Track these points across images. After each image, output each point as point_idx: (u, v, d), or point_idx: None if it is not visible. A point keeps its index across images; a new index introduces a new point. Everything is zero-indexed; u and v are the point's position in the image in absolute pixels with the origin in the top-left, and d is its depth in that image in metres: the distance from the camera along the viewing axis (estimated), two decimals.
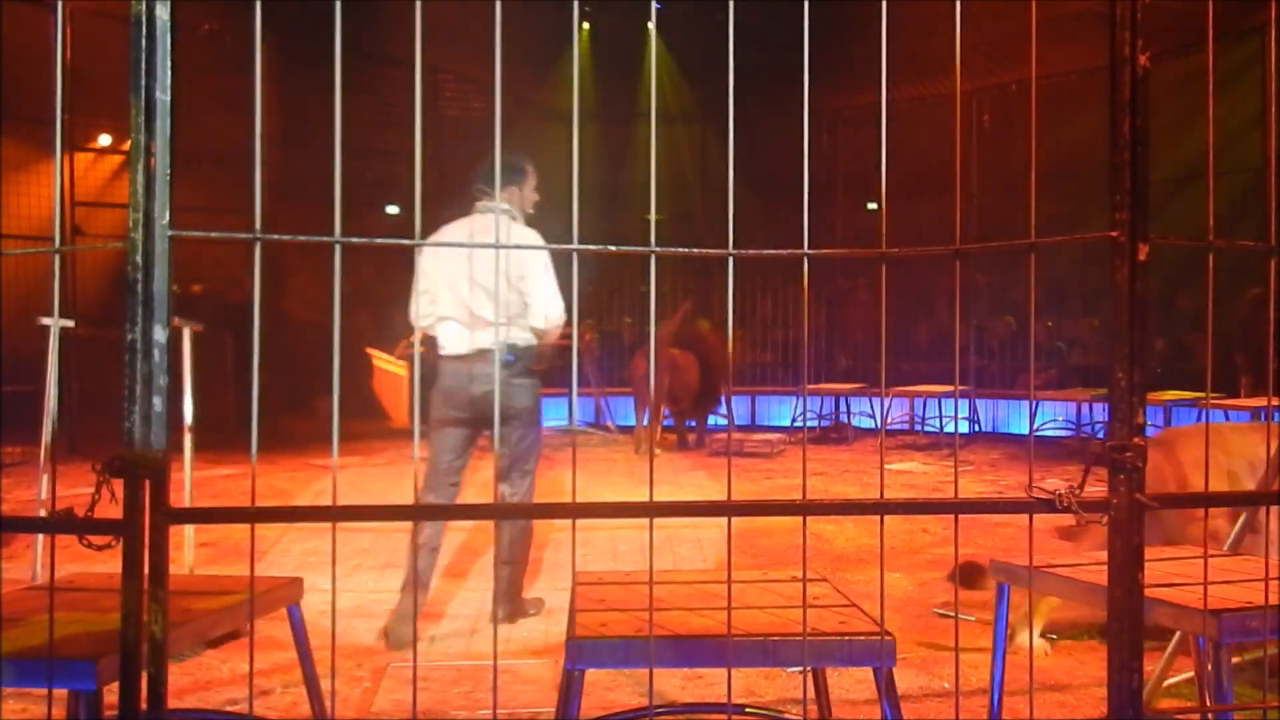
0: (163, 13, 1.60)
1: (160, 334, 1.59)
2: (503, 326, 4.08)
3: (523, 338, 4.21)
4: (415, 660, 1.72)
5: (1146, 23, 1.62)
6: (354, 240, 1.72)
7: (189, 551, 4.04)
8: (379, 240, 1.81)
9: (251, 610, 2.06)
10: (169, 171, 1.60)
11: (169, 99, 1.60)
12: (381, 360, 13.00)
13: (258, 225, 1.68)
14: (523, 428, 4.14)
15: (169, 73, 1.61)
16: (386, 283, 12.81)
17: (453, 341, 4.15)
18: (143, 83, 1.58)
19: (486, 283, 4.08)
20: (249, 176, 1.69)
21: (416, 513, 1.70)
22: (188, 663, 3.49)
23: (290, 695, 3.24)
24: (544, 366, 4.44)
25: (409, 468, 9.04)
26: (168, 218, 1.60)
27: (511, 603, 4.09)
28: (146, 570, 1.58)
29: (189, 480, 3.93)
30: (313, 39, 10.48)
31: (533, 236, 4.37)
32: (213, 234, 1.79)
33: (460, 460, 3.94)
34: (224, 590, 2.26)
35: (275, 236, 1.75)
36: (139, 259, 1.57)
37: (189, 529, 4.02)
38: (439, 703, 3.19)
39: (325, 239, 1.68)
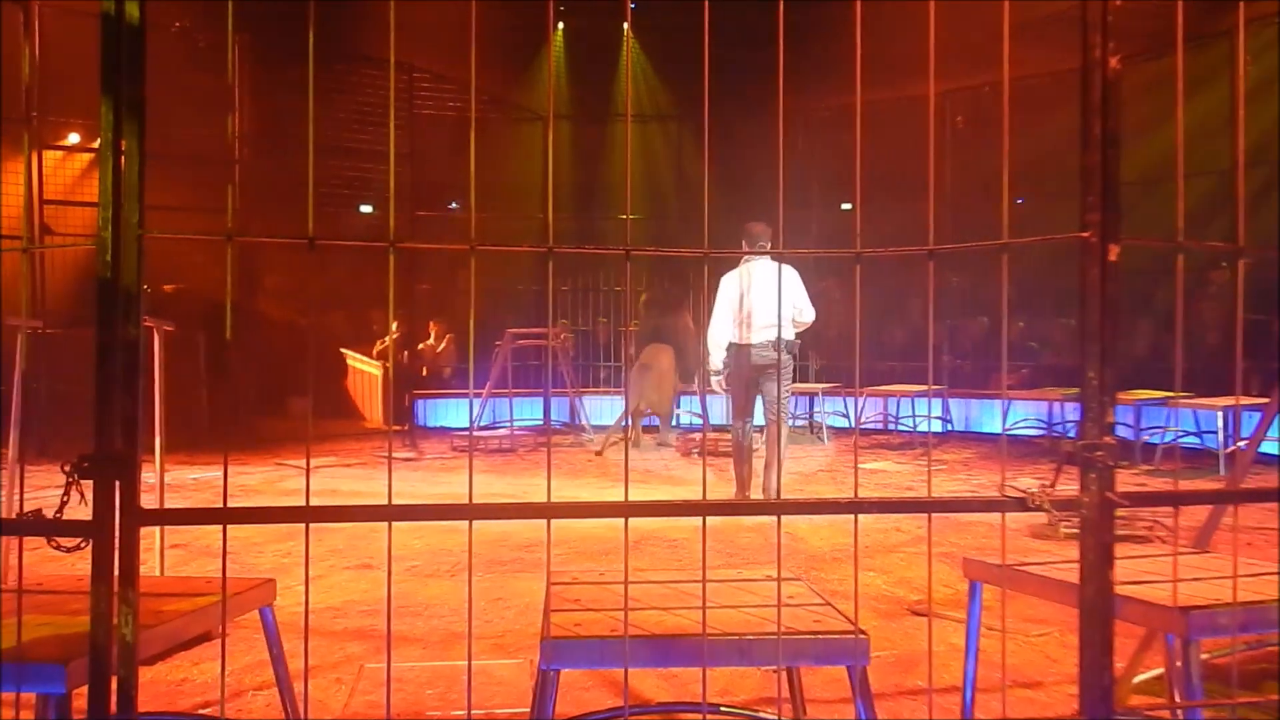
0: (133, 10, 1.58)
1: (131, 334, 1.58)
2: (775, 326, 6.73)
3: (789, 332, 6.90)
4: (389, 662, 1.71)
5: (1117, 26, 1.63)
6: (328, 241, 1.71)
7: (160, 553, 4.00)
8: (353, 242, 1.81)
9: (224, 612, 2.05)
10: (140, 170, 1.59)
11: (140, 97, 1.59)
12: (356, 360, 12.94)
13: (230, 225, 1.66)
14: (789, 381, 6.96)
15: (140, 71, 1.59)
16: (361, 282, 12.77)
17: (752, 336, 6.81)
18: (113, 81, 1.57)
19: (771, 300, 6.77)
20: (223, 176, 1.68)
21: (390, 513, 1.69)
22: (159, 665, 3.46)
23: (263, 698, 3.22)
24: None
25: (383, 468, 9.00)
26: (138, 217, 1.58)
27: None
28: (116, 572, 1.57)
29: (160, 481, 3.90)
30: (286, 37, 10.42)
31: (794, 273, 6.96)
32: (185, 234, 1.77)
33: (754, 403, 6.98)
34: (195, 592, 2.24)
35: (248, 237, 1.74)
36: (109, 258, 1.56)
37: (160, 530, 3.99)
38: (413, 704, 3.17)
39: (298, 239, 1.67)
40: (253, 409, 11.40)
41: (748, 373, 6.83)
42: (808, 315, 6.84)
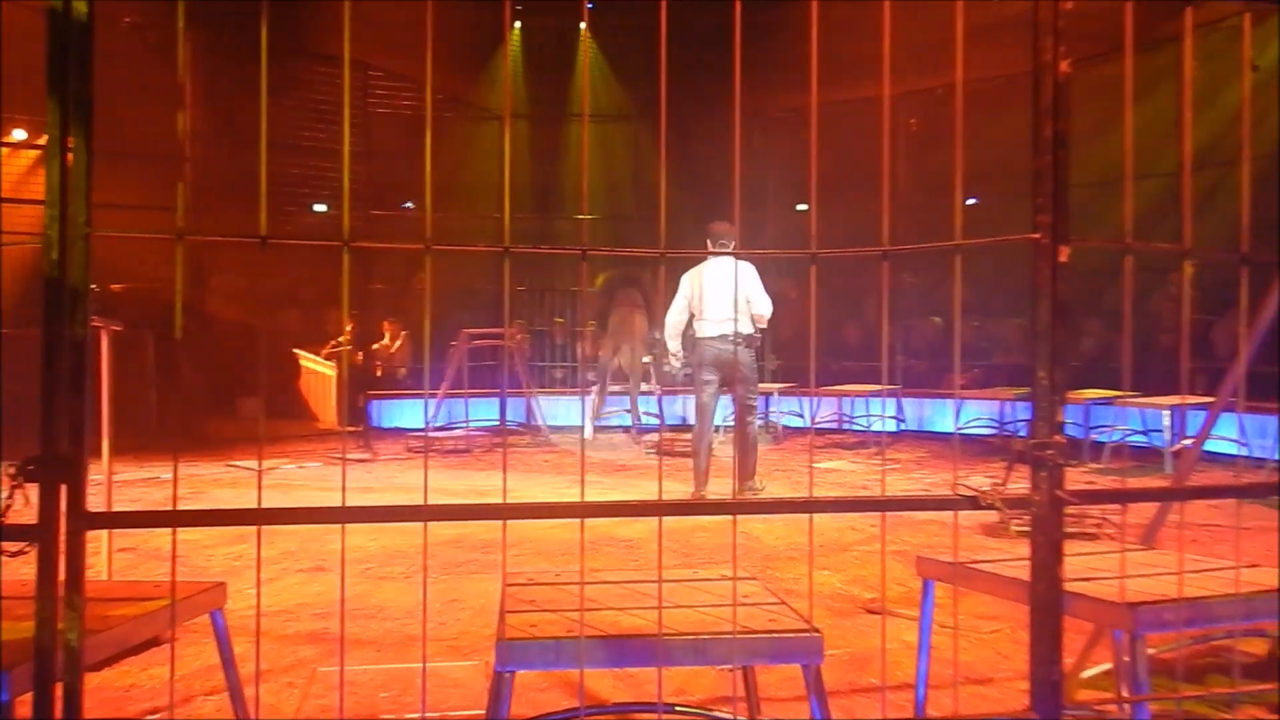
0: (81, 6, 1.55)
1: (78, 333, 1.55)
2: (732, 320, 6.93)
3: (745, 326, 7.00)
4: (343, 665, 1.70)
5: (1068, 30, 1.66)
6: (281, 240, 1.69)
7: (107, 557, 3.94)
8: (307, 241, 1.79)
9: (173, 616, 2.02)
10: (87, 168, 1.56)
11: (88, 94, 1.56)
12: (309, 361, 12.82)
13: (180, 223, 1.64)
14: (752, 375, 7.13)
15: (88, 67, 1.56)
16: (316, 283, 12.66)
17: (708, 329, 7.03)
18: (61, 77, 1.54)
19: (726, 295, 6.99)
20: (173, 173, 1.66)
21: (343, 515, 1.68)
22: (106, 671, 3.41)
23: (213, 703, 3.18)
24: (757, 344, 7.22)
25: (337, 468, 8.92)
26: (86, 215, 1.55)
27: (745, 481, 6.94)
28: (62, 576, 1.54)
29: (108, 484, 3.83)
30: (239, 34, 10.29)
31: (751, 268, 7.07)
32: (134, 232, 1.75)
33: (717, 399, 7.20)
34: (144, 596, 2.21)
35: (199, 235, 1.72)
36: (56, 257, 1.53)
37: (107, 533, 3.93)
38: (367, 707, 3.15)
39: (250, 238, 1.65)
40: (203, 410, 11.25)
41: (710, 365, 7.05)
42: (759, 307, 6.95)
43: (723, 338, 6.97)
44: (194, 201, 9.96)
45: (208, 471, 8.61)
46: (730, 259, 7.02)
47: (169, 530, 1.67)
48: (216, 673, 2.69)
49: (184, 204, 1.72)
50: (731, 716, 2.84)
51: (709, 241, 7.07)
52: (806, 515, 1.81)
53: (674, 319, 7.34)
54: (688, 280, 7.25)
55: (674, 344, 7.39)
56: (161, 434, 10.12)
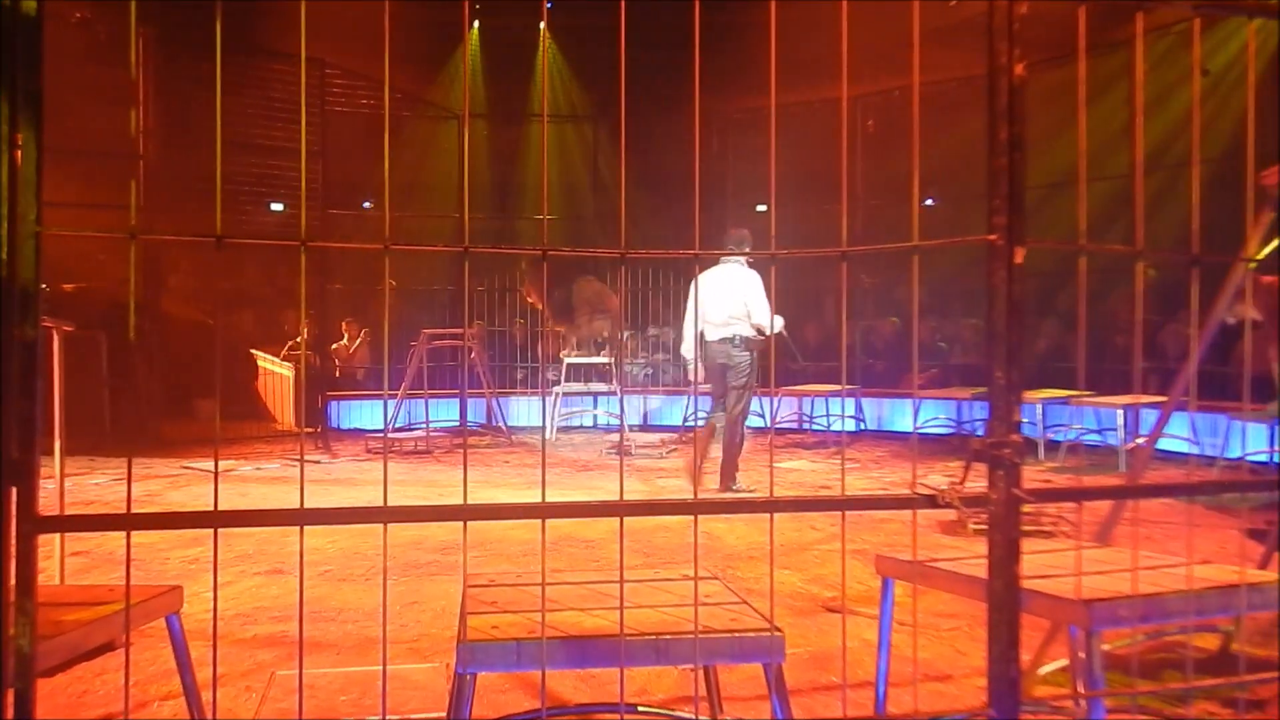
0: (30, 1, 1.53)
1: (28, 334, 1.52)
2: (731, 324, 7.34)
3: (745, 331, 7.33)
4: (301, 668, 1.68)
5: (1023, 34, 1.67)
6: (237, 239, 1.67)
7: (60, 561, 3.87)
8: (263, 240, 1.77)
9: (127, 621, 1.99)
10: (37, 165, 1.53)
11: (37, 90, 1.54)
12: (266, 361, 12.68)
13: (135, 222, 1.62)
14: (743, 378, 7.42)
15: (37, 63, 1.54)
16: (273, 282, 12.53)
17: (707, 333, 7.40)
18: (9, 73, 1.51)
19: (723, 300, 7.33)
20: (126, 171, 1.63)
21: (302, 517, 1.66)
22: (59, 677, 3.35)
23: (169, 708, 3.14)
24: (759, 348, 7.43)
25: (295, 470, 8.84)
26: (36, 213, 1.53)
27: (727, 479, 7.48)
28: (13, 581, 1.51)
29: (60, 487, 3.77)
30: (193, 30, 10.16)
31: (755, 277, 7.37)
32: (86, 231, 1.72)
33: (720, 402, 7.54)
34: (97, 601, 2.17)
35: (153, 234, 1.69)
36: (5, 256, 1.50)
37: (59, 537, 3.86)
38: (326, 711, 3.12)
39: (205, 237, 1.63)
40: (158, 411, 11.10)
41: (711, 367, 7.53)
42: (757, 316, 7.29)
43: (720, 341, 7.35)
44: (148, 200, 9.81)
45: (163, 473, 8.49)
46: (737, 264, 7.43)
47: (123, 533, 1.64)
48: (172, 677, 2.65)
49: (137, 202, 1.70)
50: (693, 716, 2.84)
51: (728, 245, 7.54)
52: (767, 515, 1.81)
53: (685, 325, 7.96)
54: (693, 285, 7.39)
55: (685, 349, 8.00)
56: (115, 436, 9.97)
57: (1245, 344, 2.70)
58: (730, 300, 7.33)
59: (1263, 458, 7.61)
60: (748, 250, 7.45)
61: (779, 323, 7.58)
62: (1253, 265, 3.67)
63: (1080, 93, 1.92)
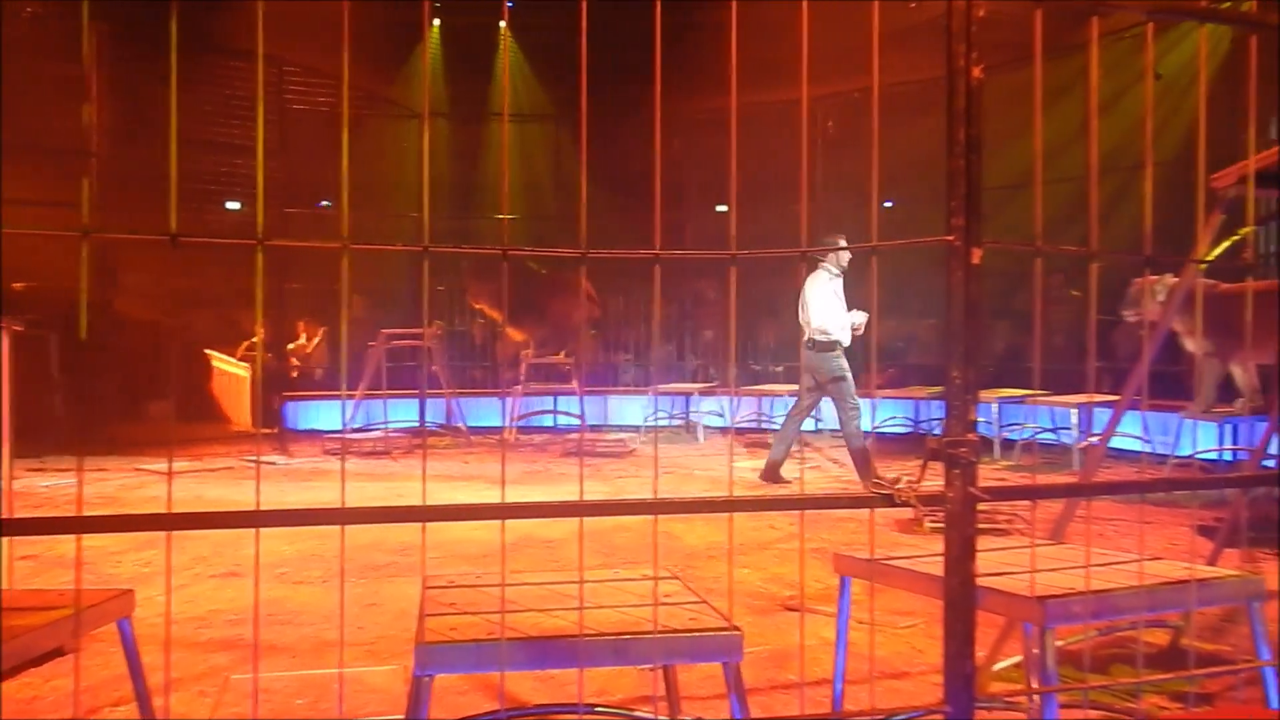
0: None
1: None
2: (806, 329, 7.65)
3: (820, 335, 7.59)
4: (256, 672, 1.66)
5: (980, 37, 1.69)
6: (192, 238, 1.65)
7: (8, 565, 3.81)
8: (219, 239, 1.75)
9: (77, 625, 1.96)
10: None
11: None
12: (222, 362, 12.54)
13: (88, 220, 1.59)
14: (829, 382, 7.72)
15: None
16: (229, 282, 12.37)
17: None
18: None
19: (801, 305, 7.67)
20: (79, 168, 1.61)
21: (258, 519, 1.64)
22: (7, 683, 3.29)
23: (121, 713, 3.09)
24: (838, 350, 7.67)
25: (251, 471, 8.74)
26: None
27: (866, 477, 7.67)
28: None
29: (8, 489, 3.70)
30: (148, 26, 10.02)
31: (820, 278, 7.55)
32: (37, 229, 1.69)
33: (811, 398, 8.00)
34: (47, 605, 2.14)
35: (106, 233, 1.67)
36: None
37: (7, 541, 3.79)
38: (282, 715, 3.09)
39: (160, 235, 1.60)
40: (111, 412, 10.94)
41: (804, 370, 8.10)
42: (814, 319, 7.58)
43: (807, 342, 7.77)
44: (102, 198, 9.66)
45: (115, 475, 8.37)
46: (823, 270, 7.59)
47: (74, 536, 1.62)
48: (124, 683, 2.61)
49: (90, 200, 1.67)
50: (652, 716, 2.84)
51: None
52: (727, 514, 1.82)
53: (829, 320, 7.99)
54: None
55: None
56: (66, 437, 9.80)
57: (1145, 343, 2.74)
58: (801, 305, 7.67)
59: (1212, 456, 7.74)
60: (830, 256, 7.58)
61: (858, 318, 7.60)
62: (1202, 267, 3.74)
63: (1036, 95, 1.94)
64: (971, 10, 1.68)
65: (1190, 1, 2.01)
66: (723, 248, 1.86)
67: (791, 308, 8.13)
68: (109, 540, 5.36)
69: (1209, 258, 3.38)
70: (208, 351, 12.67)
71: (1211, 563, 3.54)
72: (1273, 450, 4.08)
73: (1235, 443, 7.99)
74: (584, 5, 1.75)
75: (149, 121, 10.61)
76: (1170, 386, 7.74)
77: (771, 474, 7.98)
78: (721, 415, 12.16)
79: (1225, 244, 3.35)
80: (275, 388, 11.92)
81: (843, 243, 7.51)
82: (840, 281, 7.69)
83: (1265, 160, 2.90)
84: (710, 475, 8.62)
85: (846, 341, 7.66)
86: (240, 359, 12.37)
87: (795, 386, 11.41)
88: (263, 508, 1.65)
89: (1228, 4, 9.04)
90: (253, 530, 1.64)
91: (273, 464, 9.41)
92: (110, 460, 9.13)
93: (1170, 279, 6.85)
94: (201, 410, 12.18)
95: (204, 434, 11.25)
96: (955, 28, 1.69)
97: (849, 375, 7.75)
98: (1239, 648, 3.41)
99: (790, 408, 8.21)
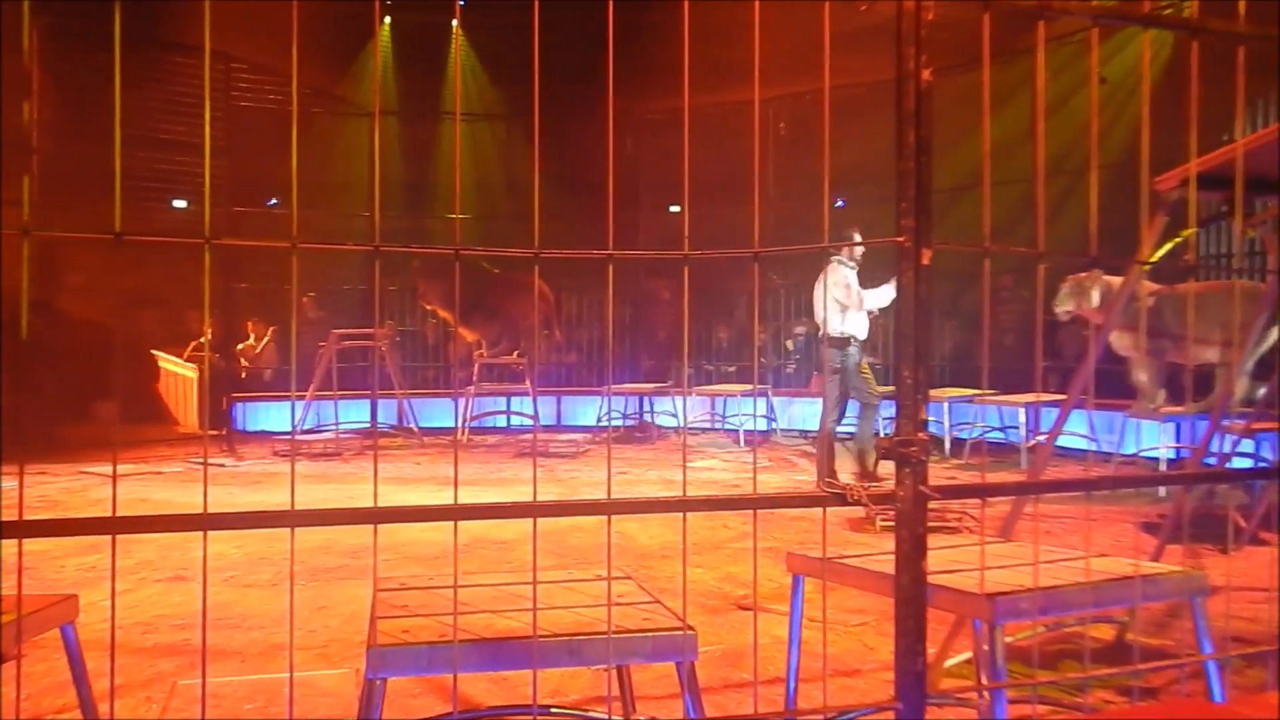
0: None
1: None
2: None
3: (833, 330, 7.44)
4: (204, 677, 1.64)
5: (930, 40, 1.71)
6: (137, 237, 1.62)
7: None
8: (164, 238, 1.71)
9: (19, 632, 1.92)
10: None
11: None
12: (169, 362, 12.35)
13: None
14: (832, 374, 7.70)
15: None
16: (178, 282, 12.18)
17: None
18: None
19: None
20: (19, 165, 1.57)
21: (205, 522, 1.62)
22: None
23: None
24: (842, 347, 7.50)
25: (198, 473, 8.62)
26: None
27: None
28: None
29: None
30: (91, 20, 9.84)
31: (834, 273, 7.37)
32: None
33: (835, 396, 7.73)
34: None
35: (47, 231, 1.63)
36: None
37: None
38: None
39: (103, 234, 1.57)
40: (53, 414, 10.72)
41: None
42: (819, 314, 7.62)
43: (821, 336, 8.18)
44: (43, 196, 9.46)
45: (59, 478, 8.21)
46: (835, 261, 7.48)
47: (14, 541, 1.58)
48: (68, 689, 2.56)
49: (30, 198, 1.63)
50: (606, 716, 2.84)
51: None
52: (680, 514, 1.82)
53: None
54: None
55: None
56: (7, 439, 9.60)
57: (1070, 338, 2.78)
58: (815, 301, 7.73)
59: (1156, 454, 7.88)
60: (841, 250, 7.48)
61: (885, 294, 7.35)
62: (1146, 267, 3.80)
63: (985, 98, 1.97)
64: (921, 13, 1.70)
65: (1134, 6, 2.04)
66: (676, 247, 1.86)
67: (745, 308, 8.18)
68: (51, 544, 5.26)
69: (1153, 259, 3.44)
70: (154, 352, 12.47)
71: (1155, 559, 3.60)
72: (1214, 448, 4.16)
73: (1179, 441, 8.15)
74: (536, 5, 1.74)
75: (92, 117, 10.42)
76: (1116, 385, 7.86)
77: (868, 476, 7.75)
78: (675, 415, 12.18)
79: (1168, 245, 3.41)
80: (223, 388, 11.76)
81: (858, 236, 7.47)
82: (854, 273, 7.52)
83: (1207, 164, 2.96)
84: (663, 476, 8.63)
85: (862, 335, 7.55)
86: (187, 359, 12.20)
87: (748, 386, 11.52)
88: (210, 511, 1.62)
89: (1170, 10, 9.24)
90: (200, 533, 1.62)
91: (221, 466, 9.28)
92: (54, 463, 8.95)
93: (1100, 276, 6.97)
94: (148, 412, 11.99)
95: (150, 436, 11.08)
96: (905, 31, 1.71)
97: (866, 371, 7.68)
98: (1182, 642, 3.47)
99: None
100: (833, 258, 7.55)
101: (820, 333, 7.82)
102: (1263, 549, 5.14)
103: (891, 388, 9.54)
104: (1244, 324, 4.82)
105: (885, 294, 7.37)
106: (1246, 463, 5.89)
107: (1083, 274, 7.20)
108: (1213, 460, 5.09)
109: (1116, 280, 6.50)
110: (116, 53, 1.59)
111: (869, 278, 7.49)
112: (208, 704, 1.70)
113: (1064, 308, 7.30)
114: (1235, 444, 5.66)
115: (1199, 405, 6.87)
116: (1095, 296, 7.10)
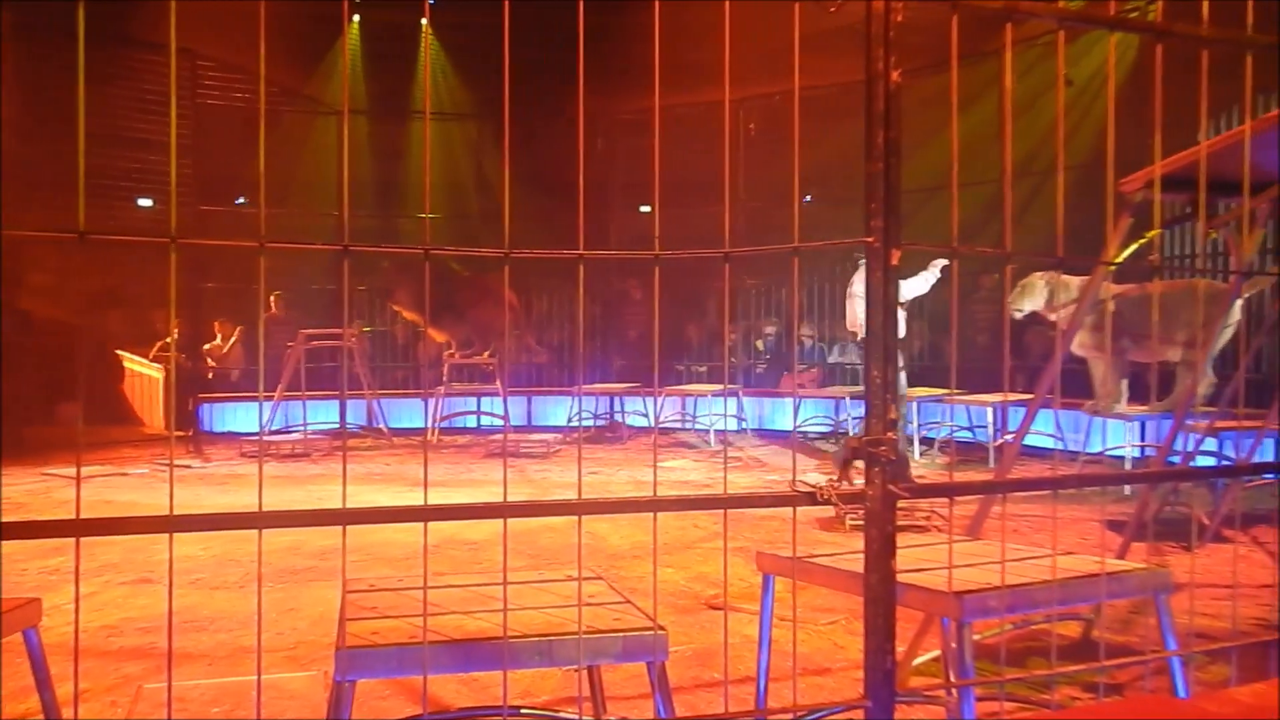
0: None
1: None
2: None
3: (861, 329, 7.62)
4: (170, 680, 1.62)
5: (899, 41, 1.72)
6: (102, 235, 1.60)
7: None
8: (129, 237, 1.70)
9: None
10: None
11: None
12: (134, 363, 12.22)
13: None
14: None
15: None
16: (144, 281, 12.06)
17: None
18: None
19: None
20: None
21: (171, 524, 1.60)
22: None
23: None
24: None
25: (164, 475, 8.53)
26: None
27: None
28: None
29: None
30: (55, 16, 9.72)
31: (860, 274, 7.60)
32: None
33: None
34: None
35: (10, 230, 1.61)
36: None
37: None
38: None
39: (67, 233, 1.55)
40: (17, 415, 10.59)
41: None
42: (850, 315, 7.93)
43: (852, 335, 8.25)
44: (6, 193, 9.36)
45: (22, 480, 8.11)
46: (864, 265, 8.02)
47: None
48: (30, 695, 2.53)
49: None
50: (577, 717, 2.84)
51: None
52: (650, 514, 1.82)
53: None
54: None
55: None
56: None
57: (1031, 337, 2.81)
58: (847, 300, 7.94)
59: (1122, 453, 7.96)
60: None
61: (928, 278, 7.45)
62: (1111, 268, 3.84)
63: (953, 98, 1.98)
64: (890, 15, 1.71)
65: (1100, 8, 2.06)
66: (647, 248, 1.86)
67: (716, 309, 8.19)
68: (13, 547, 5.16)
69: (1118, 259, 3.48)
70: (119, 352, 12.34)
71: (1121, 556, 3.64)
72: (1178, 447, 4.21)
73: (1143, 440, 8.24)
74: (507, 4, 1.74)
75: (56, 115, 10.30)
76: (1082, 385, 7.94)
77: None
78: (646, 415, 12.18)
79: (1134, 246, 3.44)
80: (190, 389, 11.65)
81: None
82: None
83: (1172, 166, 2.99)
84: (634, 476, 8.63)
85: (899, 334, 7.74)
86: (153, 359, 12.07)
87: (719, 386, 11.55)
88: (176, 512, 1.61)
89: (1135, 13, 9.33)
90: (166, 535, 1.60)
91: (187, 467, 9.20)
92: (16, 464, 8.84)
93: (1058, 275, 7.04)
94: (113, 412, 11.86)
95: (115, 437, 10.96)
96: (874, 32, 1.72)
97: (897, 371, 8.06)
98: (1147, 639, 3.51)
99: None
100: (860, 261, 7.69)
101: (856, 335, 7.97)
102: (1225, 546, 5.20)
103: (923, 389, 9.72)
104: (1206, 323, 4.89)
105: (919, 284, 7.49)
106: (1210, 461, 5.96)
107: (1037, 274, 7.30)
108: (1177, 459, 5.15)
109: (1065, 278, 6.56)
110: (80, 50, 1.57)
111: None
112: (174, 707, 1.69)
113: (1016, 306, 7.37)
114: (1199, 442, 5.73)
115: (1162, 404, 6.94)
116: (1041, 294, 7.21)
